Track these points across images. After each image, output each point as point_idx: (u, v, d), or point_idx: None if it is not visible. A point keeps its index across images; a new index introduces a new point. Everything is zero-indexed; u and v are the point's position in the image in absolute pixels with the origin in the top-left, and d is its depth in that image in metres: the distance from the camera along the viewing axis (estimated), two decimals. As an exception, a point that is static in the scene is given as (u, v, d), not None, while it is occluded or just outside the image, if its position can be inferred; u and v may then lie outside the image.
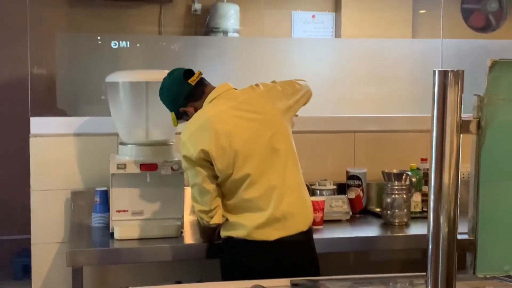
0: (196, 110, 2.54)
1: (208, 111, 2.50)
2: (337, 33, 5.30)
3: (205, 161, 2.44)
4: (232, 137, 2.44)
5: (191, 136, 2.46)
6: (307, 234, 2.55)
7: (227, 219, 2.54)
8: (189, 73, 2.58)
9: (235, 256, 2.51)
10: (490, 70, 1.39)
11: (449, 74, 1.38)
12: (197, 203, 2.53)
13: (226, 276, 2.51)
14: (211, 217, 2.52)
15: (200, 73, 2.59)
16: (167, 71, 2.64)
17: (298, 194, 2.55)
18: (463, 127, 1.39)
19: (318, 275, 2.43)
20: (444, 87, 1.38)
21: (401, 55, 4.06)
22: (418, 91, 3.75)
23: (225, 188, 2.51)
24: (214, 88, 2.57)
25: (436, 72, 1.39)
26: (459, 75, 1.38)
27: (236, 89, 2.59)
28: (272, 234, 2.47)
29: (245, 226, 2.47)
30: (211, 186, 2.48)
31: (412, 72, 3.99)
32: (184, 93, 2.54)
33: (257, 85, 2.60)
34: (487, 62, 1.40)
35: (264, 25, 5.26)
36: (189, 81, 2.54)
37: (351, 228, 3.03)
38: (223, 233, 2.56)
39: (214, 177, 2.48)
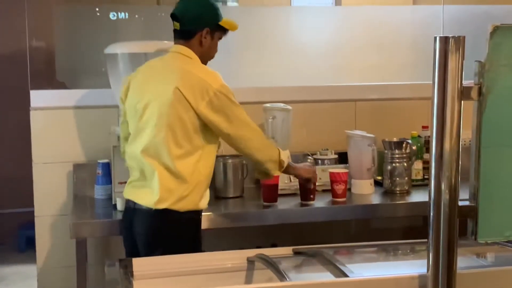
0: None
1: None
2: (338, 1, 5.24)
3: None
4: None
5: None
6: (150, 214, 2.41)
7: None
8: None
9: None
10: (491, 36, 1.38)
11: (450, 40, 1.37)
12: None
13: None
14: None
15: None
16: (166, 42, 2.61)
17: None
18: (464, 93, 1.39)
19: None
20: (445, 53, 1.37)
21: (402, 22, 4.01)
22: (419, 58, 3.73)
23: None
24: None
25: (437, 38, 1.38)
26: (460, 42, 1.37)
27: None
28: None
29: None
30: None
31: (413, 39, 3.95)
32: None
33: None
34: (488, 27, 1.39)
35: (264, -6, 5.20)
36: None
37: (353, 196, 3.04)
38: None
39: None
